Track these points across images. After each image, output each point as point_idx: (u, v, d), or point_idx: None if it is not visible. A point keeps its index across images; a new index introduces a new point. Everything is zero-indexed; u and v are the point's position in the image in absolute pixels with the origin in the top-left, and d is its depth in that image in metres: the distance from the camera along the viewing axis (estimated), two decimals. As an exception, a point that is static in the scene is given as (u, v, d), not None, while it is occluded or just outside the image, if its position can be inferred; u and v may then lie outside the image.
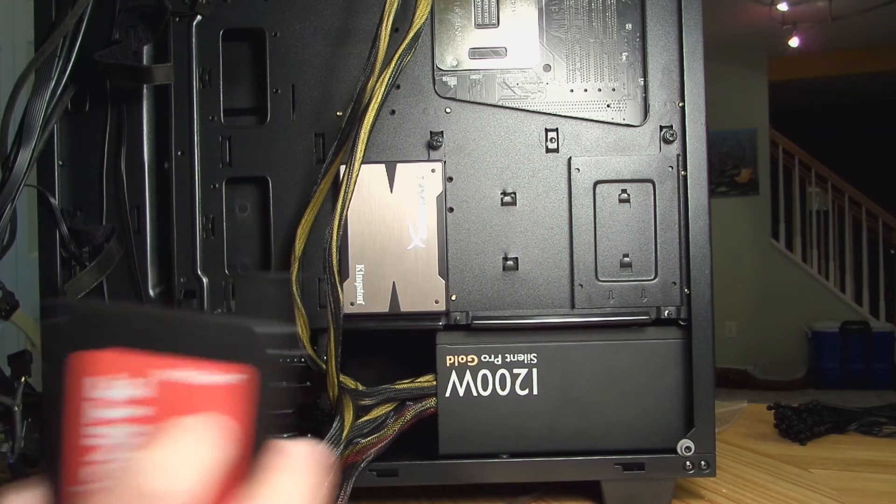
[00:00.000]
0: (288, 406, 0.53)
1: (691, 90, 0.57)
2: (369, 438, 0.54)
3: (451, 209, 0.56)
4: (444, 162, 0.56)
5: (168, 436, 0.20)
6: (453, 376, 0.56)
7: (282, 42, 0.58)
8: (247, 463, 0.22)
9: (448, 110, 0.57)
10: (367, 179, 0.55)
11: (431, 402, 0.56)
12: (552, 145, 0.57)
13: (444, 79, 0.58)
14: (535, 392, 0.56)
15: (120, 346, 0.21)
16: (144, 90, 0.58)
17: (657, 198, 0.56)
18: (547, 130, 0.57)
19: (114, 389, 0.21)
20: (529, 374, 0.56)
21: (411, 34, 0.50)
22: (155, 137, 0.59)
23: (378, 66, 0.49)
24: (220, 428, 0.21)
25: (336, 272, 0.50)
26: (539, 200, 0.57)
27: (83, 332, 0.22)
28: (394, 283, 0.55)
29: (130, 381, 0.21)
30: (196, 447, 0.20)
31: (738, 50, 4.73)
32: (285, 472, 0.22)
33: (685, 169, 0.56)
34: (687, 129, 0.56)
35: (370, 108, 0.49)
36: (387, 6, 0.50)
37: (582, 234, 0.56)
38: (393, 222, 0.56)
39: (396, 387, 0.55)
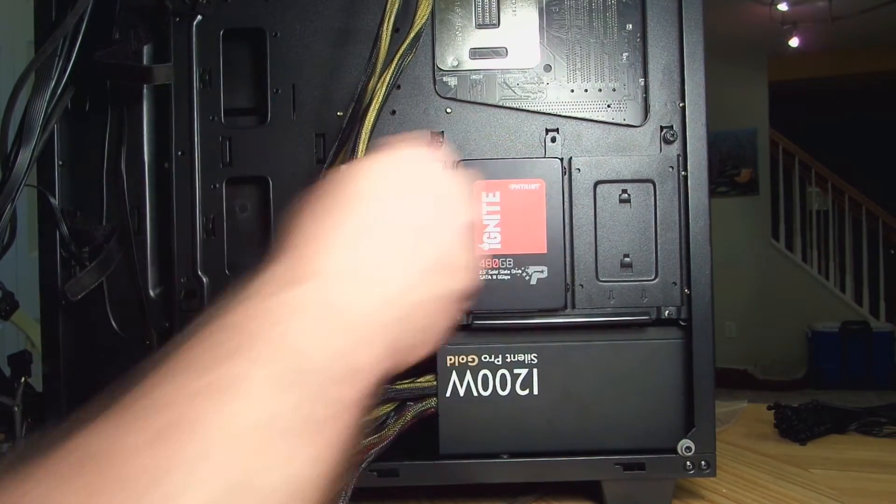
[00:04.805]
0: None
1: (692, 90, 0.57)
2: (370, 439, 0.54)
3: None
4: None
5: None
6: (454, 376, 0.56)
7: (282, 42, 0.58)
8: None
9: (449, 110, 0.57)
10: (368, 179, 0.55)
11: (432, 402, 0.56)
12: (552, 145, 0.57)
13: (444, 79, 0.58)
14: (536, 392, 0.56)
15: None
16: (144, 90, 0.58)
17: (657, 198, 0.56)
18: (547, 130, 0.57)
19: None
20: (530, 375, 0.56)
21: (412, 34, 0.50)
22: (155, 137, 0.59)
23: (379, 66, 0.49)
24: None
25: (336, 272, 0.49)
26: (539, 200, 0.57)
27: None
28: (394, 283, 0.55)
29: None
30: None
31: (738, 50, 4.73)
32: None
33: (685, 169, 0.56)
34: (687, 129, 0.56)
35: (371, 109, 0.49)
36: (388, 6, 0.50)
37: (582, 235, 0.56)
38: (393, 222, 0.56)
39: (397, 387, 0.55)
